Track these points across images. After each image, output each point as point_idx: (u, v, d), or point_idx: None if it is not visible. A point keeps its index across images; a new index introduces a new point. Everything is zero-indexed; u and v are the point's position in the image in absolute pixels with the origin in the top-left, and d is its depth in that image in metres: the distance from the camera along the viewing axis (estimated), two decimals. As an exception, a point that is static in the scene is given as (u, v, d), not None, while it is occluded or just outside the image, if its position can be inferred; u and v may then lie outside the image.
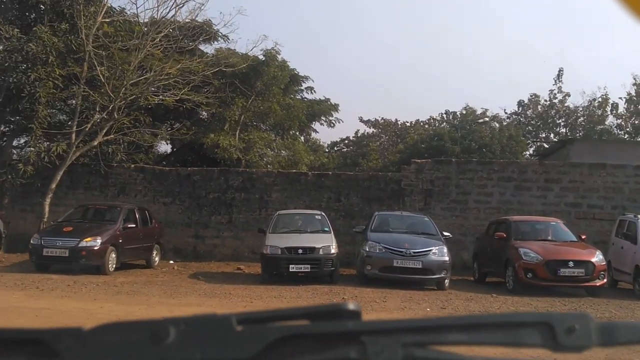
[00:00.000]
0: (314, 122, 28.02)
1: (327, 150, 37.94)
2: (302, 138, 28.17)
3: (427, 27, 58.07)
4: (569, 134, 36.07)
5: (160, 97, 18.36)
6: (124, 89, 17.12)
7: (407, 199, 17.46)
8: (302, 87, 26.93)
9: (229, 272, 15.47)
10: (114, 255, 13.85)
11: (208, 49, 21.49)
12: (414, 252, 12.55)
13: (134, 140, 18.87)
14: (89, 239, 13.38)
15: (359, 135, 40.97)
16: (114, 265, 13.88)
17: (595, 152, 18.32)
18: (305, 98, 27.10)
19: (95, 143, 17.34)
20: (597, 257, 12.58)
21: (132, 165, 18.45)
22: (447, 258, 12.72)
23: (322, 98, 27.74)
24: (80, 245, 13.26)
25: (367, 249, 12.78)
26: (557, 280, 12.42)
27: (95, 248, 13.38)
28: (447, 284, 12.81)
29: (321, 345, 0.85)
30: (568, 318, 0.86)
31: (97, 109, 17.02)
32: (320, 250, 12.65)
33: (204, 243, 17.97)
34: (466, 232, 17.26)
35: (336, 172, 19.15)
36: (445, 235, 13.74)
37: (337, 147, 41.23)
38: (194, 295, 10.61)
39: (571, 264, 12.36)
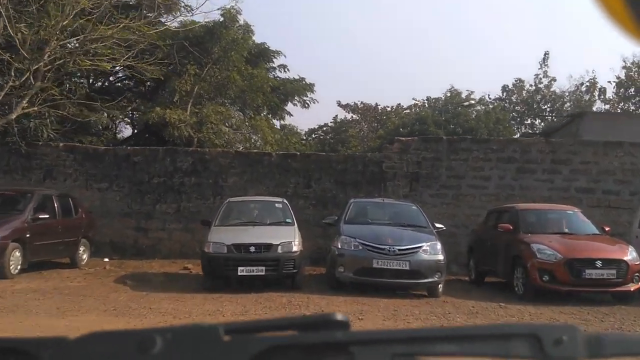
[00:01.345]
0: (287, 103, 25.49)
1: (304, 137, 36.05)
2: (278, 122, 25.70)
3: (409, 13, 55.34)
4: (555, 120, 34.32)
5: (96, 61, 15.34)
6: (49, 51, 14.10)
7: (390, 184, 14.67)
8: (274, 65, 24.25)
9: (172, 272, 12.58)
10: (18, 254, 10.90)
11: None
12: (400, 250, 9.74)
13: (67, 115, 15.84)
14: (-20, 233, 10.39)
15: (337, 120, 38.77)
16: (19, 266, 10.92)
17: (609, 128, 15.57)
18: (278, 77, 24.56)
19: (13, 116, 14.25)
20: (631, 255, 9.91)
21: (61, 144, 15.36)
22: (441, 257, 9.95)
23: (297, 77, 25.26)
24: (-31, 241, 10.28)
25: (340, 246, 9.94)
26: (581, 284, 9.71)
27: (-10, 245, 10.39)
28: (441, 290, 10.06)
29: (309, 356, 0.85)
30: (556, 330, 0.87)
31: (13, 74, 13.91)
32: (279, 247, 9.78)
33: (147, 237, 14.99)
34: (459, 223, 14.55)
35: (305, 153, 16.23)
36: (438, 228, 10.98)
37: (315, 134, 39.20)
38: (97, 312, 7.68)
39: (599, 263, 9.67)
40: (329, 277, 10.24)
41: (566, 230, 11.06)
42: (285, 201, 11.54)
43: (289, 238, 10.00)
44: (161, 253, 14.73)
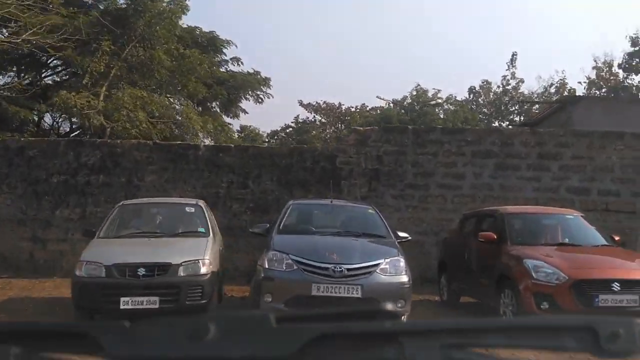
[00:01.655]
0: (240, 99, 23.21)
1: (266, 140, 34.64)
2: (232, 120, 23.51)
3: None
4: (523, 120, 32.97)
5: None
6: None
7: (345, 183, 12.11)
8: (225, 57, 21.82)
9: (64, 296, 9.56)
10: None
11: None
12: (349, 270, 7.07)
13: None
14: None
15: (299, 120, 36.91)
16: None
17: (609, 115, 13.25)
18: (230, 70, 22.22)
19: None
20: (657, 274, 7.48)
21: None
22: (405, 278, 7.31)
23: (251, 71, 22.95)
24: None
25: (267, 265, 7.21)
26: (592, 313, 7.19)
27: None
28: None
29: (359, 345, 0.84)
30: (612, 322, 0.82)
31: None
32: (181, 268, 7.02)
33: (45, 249, 12.11)
34: (427, 230, 12.12)
35: (241, 145, 13.54)
36: (401, 238, 8.36)
37: (276, 136, 37.37)
38: None
39: (616, 286, 7.21)
40: (253, 309, 7.52)
41: (566, 241, 8.63)
42: (200, 204, 8.75)
43: (197, 255, 7.24)
44: (63, 269, 11.81)
